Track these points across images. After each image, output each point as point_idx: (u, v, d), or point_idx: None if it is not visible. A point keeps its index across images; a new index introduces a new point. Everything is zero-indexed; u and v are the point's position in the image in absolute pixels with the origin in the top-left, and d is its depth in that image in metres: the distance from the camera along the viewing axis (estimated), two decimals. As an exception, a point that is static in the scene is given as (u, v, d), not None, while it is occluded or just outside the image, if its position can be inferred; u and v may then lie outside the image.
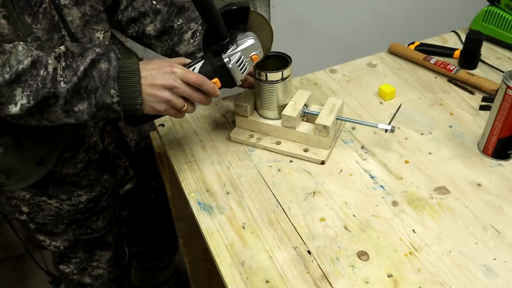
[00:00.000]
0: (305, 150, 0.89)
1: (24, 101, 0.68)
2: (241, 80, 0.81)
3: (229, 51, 0.78)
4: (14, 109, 0.69)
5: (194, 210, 0.80)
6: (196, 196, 0.83)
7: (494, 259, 0.70)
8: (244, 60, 0.79)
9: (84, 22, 0.85)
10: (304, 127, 0.89)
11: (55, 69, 0.69)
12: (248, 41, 0.78)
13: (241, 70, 0.79)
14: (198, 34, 0.94)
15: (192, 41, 0.94)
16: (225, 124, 0.98)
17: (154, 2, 0.97)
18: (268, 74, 0.87)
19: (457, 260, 0.70)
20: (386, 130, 0.86)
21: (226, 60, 0.78)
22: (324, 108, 0.89)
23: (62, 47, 0.72)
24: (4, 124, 0.82)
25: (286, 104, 0.90)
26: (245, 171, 0.87)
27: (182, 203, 1.03)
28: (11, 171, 0.87)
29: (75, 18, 0.84)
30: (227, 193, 0.83)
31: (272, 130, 0.91)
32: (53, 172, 0.89)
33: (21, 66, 0.68)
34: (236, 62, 0.78)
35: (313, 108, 0.92)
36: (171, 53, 0.97)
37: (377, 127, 0.86)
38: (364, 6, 1.92)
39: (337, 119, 0.88)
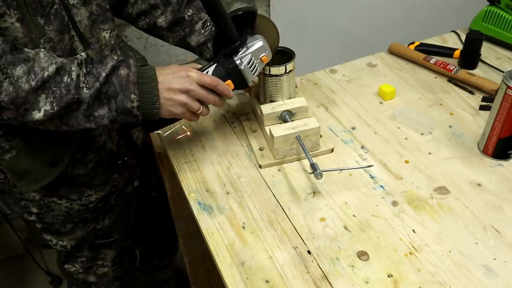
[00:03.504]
0: (260, 149, 0.90)
1: (48, 107, 0.70)
2: (252, 81, 0.83)
3: (240, 53, 0.81)
4: (38, 115, 0.70)
5: (194, 210, 0.80)
6: (196, 196, 0.83)
7: (494, 259, 0.70)
8: (255, 61, 0.82)
9: (91, 22, 0.86)
10: (272, 128, 0.87)
11: (78, 76, 0.71)
12: (257, 43, 0.81)
13: (252, 71, 0.82)
14: (208, 23, 0.94)
15: (203, 31, 0.94)
16: (225, 124, 0.98)
17: None
18: (271, 68, 0.88)
19: (457, 260, 0.70)
20: (311, 172, 0.79)
21: (238, 62, 0.81)
22: (294, 121, 0.87)
23: (83, 54, 0.74)
24: (16, 127, 0.82)
25: (289, 98, 0.91)
26: (245, 171, 0.87)
27: (182, 203, 1.03)
28: (23, 173, 0.87)
29: (83, 18, 0.84)
30: (227, 193, 0.83)
31: (260, 117, 0.92)
32: (65, 173, 0.90)
33: (46, 73, 0.69)
34: (248, 64, 0.81)
35: (297, 117, 0.90)
36: (183, 43, 0.98)
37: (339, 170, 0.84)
38: (364, 6, 1.92)
39: (296, 137, 0.85)
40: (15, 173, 0.87)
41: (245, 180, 0.85)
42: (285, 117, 0.89)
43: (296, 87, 0.95)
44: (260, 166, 0.87)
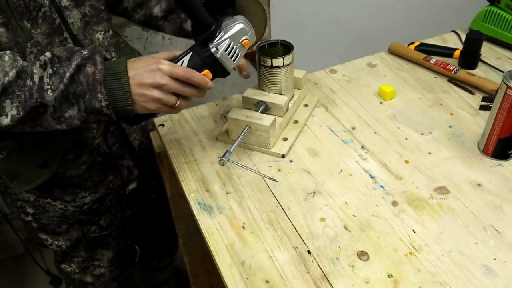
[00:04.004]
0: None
1: (14, 112, 0.67)
2: (234, 68, 0.77)
3: (216, 39, 0.73)
4: (6, 120, 0.68)
5: (194, 210, 0.80)
6: (196, 196, 0.83)
7: (494, 259, 0.70)
8: (234, 46, 0.74)
9: (84, 23, 0.85)
10: (234, 109, 0.90)
11: (41, 78, 0.67)
12: (236, 26, 0.74)
13: (231, 58, 0.75)
14: None
15: None
16: (225, 124, 0.98)
17: None
18: (262, 58, 0.88)
19: (457, 260, 0.70)
20: (220, 157, 0.81)
21: (213, 50, 0.73)
22: (256, 113, 0.89)
23: (47, 53, 0.70)
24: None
25: (278, 92, 0.92)
26: (245, 171, 0.87)
27: (182, 203, 1.03)
28: (14, 174, 0.87)
29: (76, 19, 0.83)
30: (227, 193, 0.83)
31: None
32: (57, 174, 0.89)
33: (7, 79, 0.66)
34: (225, 51, 0.74)
35: (272, 113, 0.91)
36: (180, 31, 0.97)
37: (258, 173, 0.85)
38: (364, 6, 1.92)
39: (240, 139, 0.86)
40: (7, 174, 0.87)
41: (245, 180, 0.85)
42: (260, 107, 0.91)
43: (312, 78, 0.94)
44: (216, 138, 0.93)
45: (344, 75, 1.11)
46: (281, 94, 0.92)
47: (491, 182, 0.82)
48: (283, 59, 0.88)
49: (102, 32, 0.90)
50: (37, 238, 1.03)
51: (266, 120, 0.86)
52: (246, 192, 0.82)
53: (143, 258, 1.39)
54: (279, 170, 0.86)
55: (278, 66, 0.89)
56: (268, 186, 0.83)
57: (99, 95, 0.68)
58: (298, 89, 0.99)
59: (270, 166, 0.87)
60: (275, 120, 0.88)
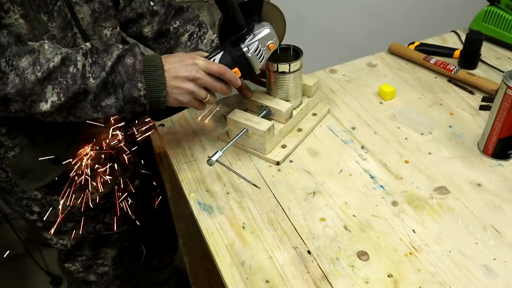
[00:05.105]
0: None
1: (55, 98, 0.70)
2: (259, 69, 0.83)
3: (247, 41, 0.80)
4: (45, 106, 0.70)
5: (194, 210, 0.80)
6: (196, 196, 0.83)
7: (494, 259, 0.70)
8: (262, 49, 0.81)
9: (93, 19, 0.86)
10: (235, 110, 0.90)
11: (84, 66, 0.71)
12: (264, 31, 0.81)
13: (259, 59, 0.81)
14: (195, 35, 0.95)
15: (189, 43, 0.95)
16: (225, 124, 0.98)
17: (152, 3, 0.97)
18: (269, 62, 0.89)
19: (457, 260, 0.70)
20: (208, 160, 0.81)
21: (245, 49, 0.80)
22: (255, 117, 0.89)
23: (87, 44, 0.73)
24: (19, 124, 0.82)
25: (284, 98, 0.92)
26: (245, 171, 0.87)
27: (182, 203, 1.03)
28: (26, 171, 0.87)
29: (86, 15, 0.84)
30: (227, 193, 0.83)
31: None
32: (67, 171, 0.90)
33: (51, 64, 0.69)
34: (255, 51, 0.80)
35: (275, 118, 0.91)
36: None
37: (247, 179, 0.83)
38: (364, 6, 1.92)
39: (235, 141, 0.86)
40: (18, 171, 0.87)
41: (245, 180, 0.85)
42: (263, 111, 0.91)
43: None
44: (218, 138, 0.93)
45: (344, 75, 1.11)
46: (287, 101, 0.92)
47: (491, 182, 0.82)
48: (289, 65, 0.88)
49: (110, 29, 0.91)
50: (41, 237, 1.03)
51: (263, 125, 0.86)
52: (246, 192, 0.83)
53: (144, 257, 1.39)
54: (279, 170, 0.86)
55: (284, 72, 0.89)
56: (268, 186, 0.83)
57: (139, 84, 0.72)
58: (308, 96, 0.97)
59: (270, 167, 0.87)
60: (273, 126, 0.87)
